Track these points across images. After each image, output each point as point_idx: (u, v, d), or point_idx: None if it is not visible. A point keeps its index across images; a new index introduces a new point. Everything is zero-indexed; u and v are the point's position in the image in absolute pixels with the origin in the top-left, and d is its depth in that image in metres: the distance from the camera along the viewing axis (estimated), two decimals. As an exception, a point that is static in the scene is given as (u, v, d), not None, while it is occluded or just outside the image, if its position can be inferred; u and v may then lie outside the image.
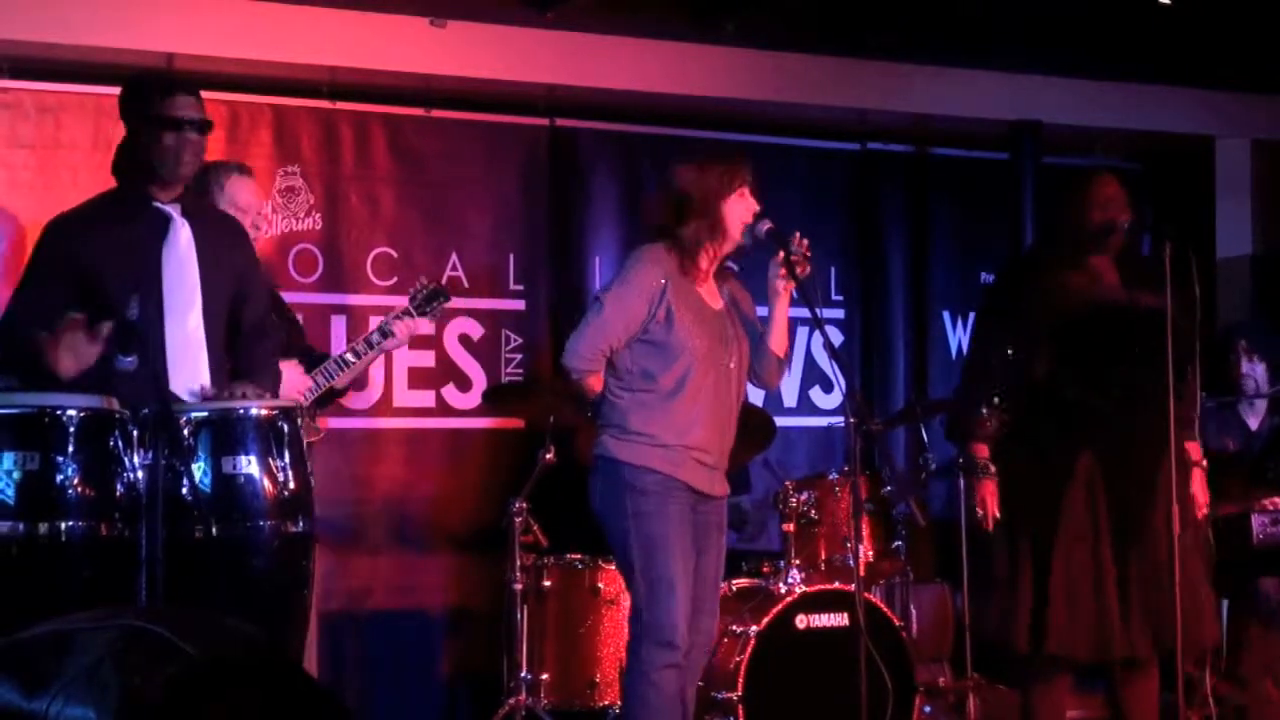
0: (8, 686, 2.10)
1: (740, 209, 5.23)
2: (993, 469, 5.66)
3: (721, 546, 5.38)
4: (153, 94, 4.70)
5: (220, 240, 4.84)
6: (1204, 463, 5.80)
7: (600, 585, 6.39)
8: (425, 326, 6.11)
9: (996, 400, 5.65)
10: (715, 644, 6.13)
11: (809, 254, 5.21)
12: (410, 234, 7.19)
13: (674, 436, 5.14)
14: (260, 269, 5.21)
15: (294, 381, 5.54)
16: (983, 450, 5.70)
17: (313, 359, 5.89)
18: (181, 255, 4.69)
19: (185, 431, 4.23)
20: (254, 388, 4.59)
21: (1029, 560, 5.57)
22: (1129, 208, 5.66)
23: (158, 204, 4.70)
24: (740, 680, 6.01)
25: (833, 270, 8.02)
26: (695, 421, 5.18)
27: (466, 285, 7.28)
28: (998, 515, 5.63)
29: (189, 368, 4.63)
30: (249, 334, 4.90)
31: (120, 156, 4.77)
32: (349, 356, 5.68)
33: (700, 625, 5.28)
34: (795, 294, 5.30)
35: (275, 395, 4.88)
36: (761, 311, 5.42)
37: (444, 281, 7.12)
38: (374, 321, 6.91)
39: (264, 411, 4.40)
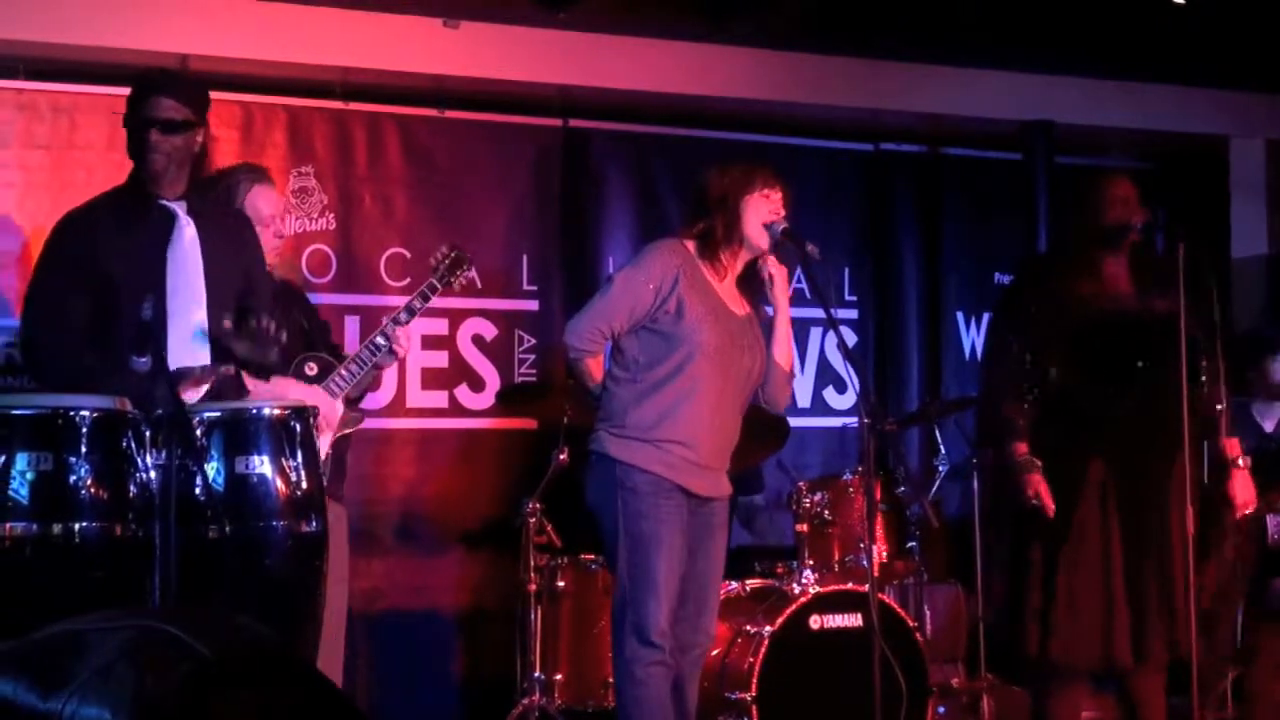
0: (23, 687, 2.10)
1: (762, 208, 5.22)
2: (1038, 462, 5.59)
3: (722, 546, 5.36)
4: (143, 90, 4.75)
5: (227, 237, 4.84)
6: (1243, 460, 5.76)
7: (613, 585, 6.39)
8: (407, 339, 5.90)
9: (1029, 394, 5.61)
10: (729, 644, 6.14)
11: (819, 257, 5.21)
12: (423, 234, 7.18)
13: (666, 430, 5.12)
14: (265, 264, 5.21)
15: (327, 411, 5.47)
16: (1022, 448, 5.62)
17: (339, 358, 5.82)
18: (186, 254, 4.69)
19: (198, 432, 4.24)
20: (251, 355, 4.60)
21: (1039, 565, 5.55)
22: (1143, 208, 5.64)
23: (163, 201, 4.71)
24: (754, 681, 6.01)
25: (846, 271, 8.02)
26: (690, 417, 5.14)
27: (479, 286, 7.27)
28: (1052, 505, 5.55)
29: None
30: (254, 330, 4.89)
31: (130, 153, 4.79)
32: (364, 354, 5.65)
33: (701, 625, 5.27)
34: (809, 294, 5.31)
35: (273, 366, 4.87)
36: (768, 311, 5.42)
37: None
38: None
39: (276, 411, 4.41)
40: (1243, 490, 5.72)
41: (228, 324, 4.57)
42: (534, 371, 7.40)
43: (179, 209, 4.71)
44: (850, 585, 6.29)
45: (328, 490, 5.03)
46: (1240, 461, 5.72)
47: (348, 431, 5.74)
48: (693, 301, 5.14)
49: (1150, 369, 5.50)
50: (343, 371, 5.55)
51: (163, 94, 4.72)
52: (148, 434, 4.21)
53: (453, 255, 5.85)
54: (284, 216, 6.19)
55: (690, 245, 5.24)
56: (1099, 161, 8.26)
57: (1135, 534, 5.51)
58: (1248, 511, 5.78)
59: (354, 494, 6.83)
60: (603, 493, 5.20)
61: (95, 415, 4.18)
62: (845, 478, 6.58)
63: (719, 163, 5.37)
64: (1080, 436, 5.58)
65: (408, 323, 5.64)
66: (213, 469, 4.25)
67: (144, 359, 4.17)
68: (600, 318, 5.20)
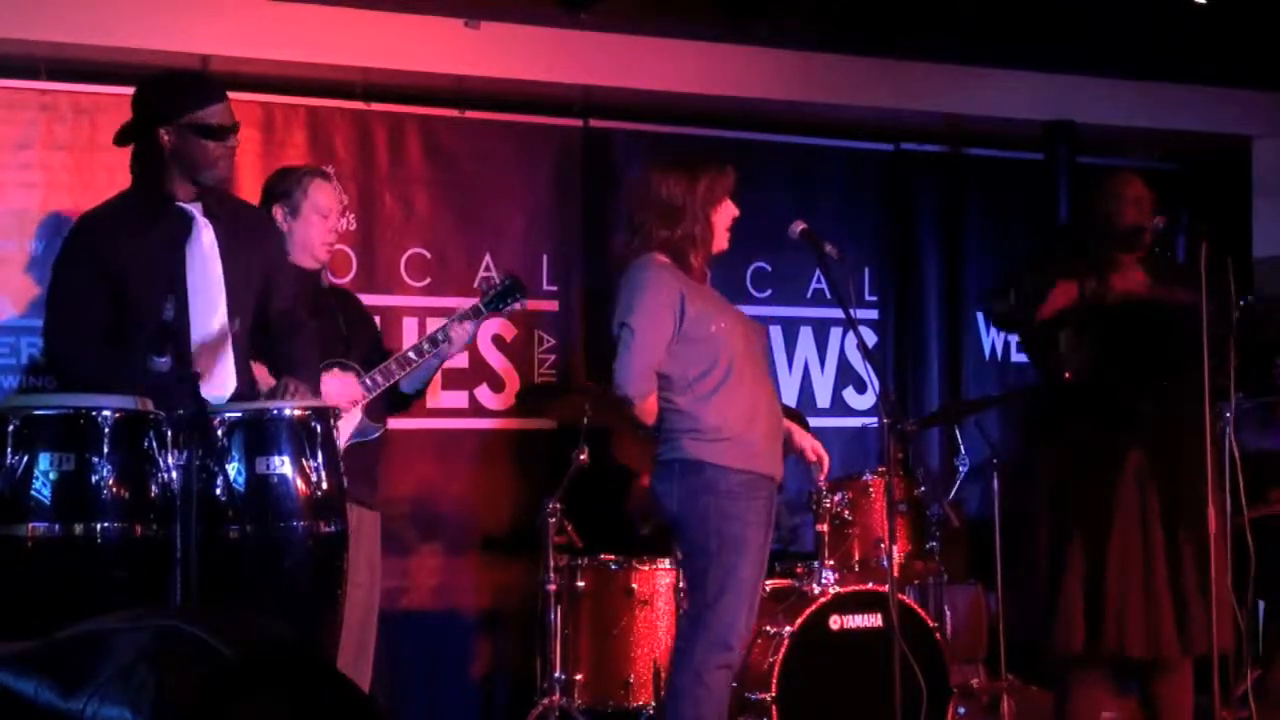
0: (45, 687, 2.11)
1: (727, 216, 5.34)
2: None
3: (770, 541, 5.40)
4: (190, 100, 4.70)
5: (244, 236, 4.84)
6: None
7: (634, 586, 6.39)
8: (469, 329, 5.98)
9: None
10: (749, 644, 6.14)
11: (838, 256, 5.25)
12: (444, 235, 7.19)
13: (743, 425, 5.19)
14: (288, 261, 5.22)
15: (343, 391, 5.51)
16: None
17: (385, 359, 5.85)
18: (205, 256, 4.70)
19: (219, 432, 4.25)
20: (299, 383, 4.62)
21: (1080, 558, 5.52)
22: (1158, 210, 5.64)
23: (180, 204, 4.71)
24: (774, 681, 6.01)
25: (867, 271, 8.00)
26: (753, 408, 5.25)
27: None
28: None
29: (215, 369, 4.66)
30: (278, 325, 4.91)
31: (142, 156, 4.77)
32: (410, 354, 5.69)
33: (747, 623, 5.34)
34: (829, 294, 5.33)
35: (316, 389, 4.89)
36: (787, 311, 5.45)
37: (475, 283, 7.11)
38: (407, 323, 6.91)
39: (297, 412, 4.41)
40: None
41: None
42: (553, 372, 7.40)
43: (195, 211, 4.72)
44: (870, 585, 6.29)
45: (357, 495, 5.05)
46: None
47: (360, 440, 5.69)
48: (703, 306, 5.21)
49: (1177, 360, 5.49)
50: (375, 377, 5.60)
51: (218, 100, 4.73)
52: (169, 434, 4.22)
53: (506, 283, 5.94)
54: (344, 213, 6.27)
55: (664, 258, 5.28)
56: (1121, 162, 8.24)
57: (1174, 522, 5.49)
58: None
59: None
60: (690, 499, 5.21)
61: (117, 415, 4.20)
62: (865, 478, 6.58)
63: (677, 170, 5.35)
64: (1115, 429, 5.57)
65: (428, 353, 5.74)
66: (233, 469, 4.26)
67: (164, 359, 4.19)
68: (644, 357, 5.21)
